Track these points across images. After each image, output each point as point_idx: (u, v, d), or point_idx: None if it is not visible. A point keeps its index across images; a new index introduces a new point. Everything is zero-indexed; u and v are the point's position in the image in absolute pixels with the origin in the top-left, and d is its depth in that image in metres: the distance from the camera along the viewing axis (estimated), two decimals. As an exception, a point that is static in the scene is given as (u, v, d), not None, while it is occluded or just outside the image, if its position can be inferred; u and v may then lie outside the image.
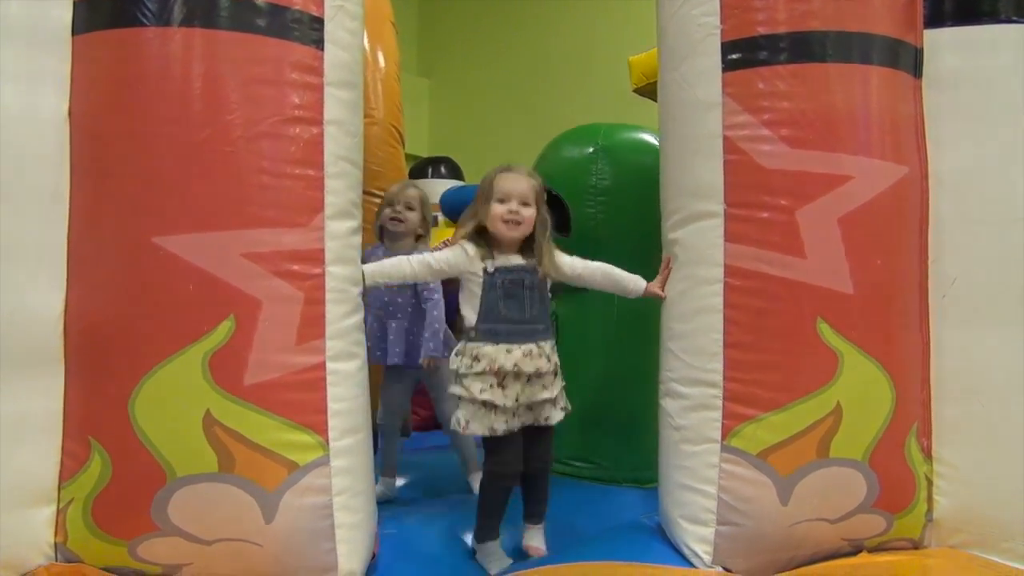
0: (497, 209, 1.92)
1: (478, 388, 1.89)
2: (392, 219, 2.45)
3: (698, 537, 1.80)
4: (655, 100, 2.30)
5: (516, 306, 1.92)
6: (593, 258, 2.07)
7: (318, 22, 1.66)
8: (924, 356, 1.86)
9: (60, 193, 1.59)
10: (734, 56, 1.78)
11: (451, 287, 2.17)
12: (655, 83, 2.30)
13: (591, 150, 2.59)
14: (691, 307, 1.85)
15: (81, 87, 1.60)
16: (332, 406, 1.64)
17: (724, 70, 1.79)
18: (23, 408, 1.55)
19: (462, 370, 1.93)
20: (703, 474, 1.79)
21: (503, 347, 1.89)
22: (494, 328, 1.91)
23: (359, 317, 1.77)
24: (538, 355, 1.92)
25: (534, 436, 2.00)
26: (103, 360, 1.57)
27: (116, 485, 1.56)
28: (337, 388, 1.65)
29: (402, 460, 2.65)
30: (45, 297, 1.57)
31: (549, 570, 1.80)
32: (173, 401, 1.54)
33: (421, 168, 6.12)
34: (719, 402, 1.77)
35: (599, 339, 2.61)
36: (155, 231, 1.54)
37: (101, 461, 1.56)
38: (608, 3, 6.66)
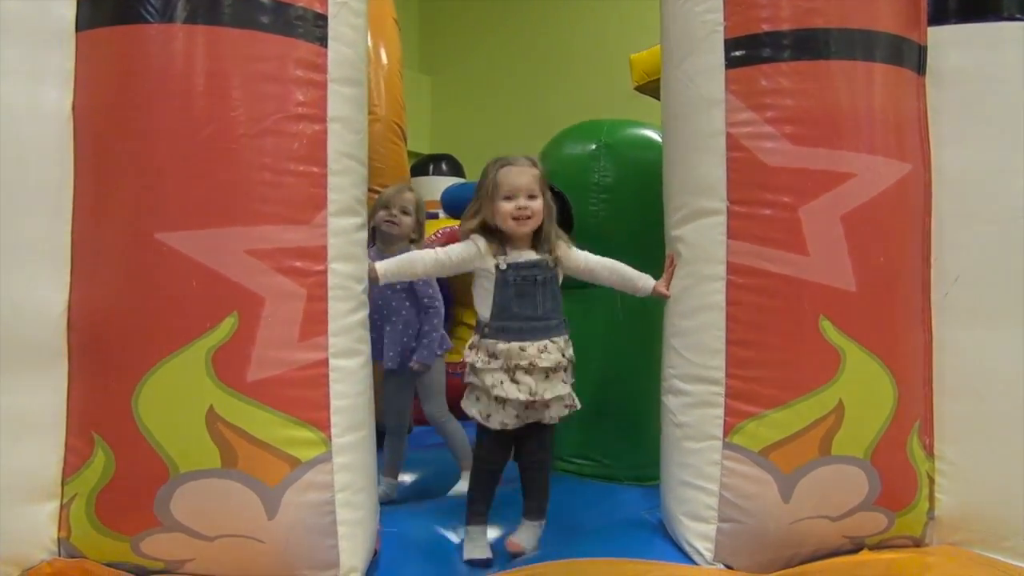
0: (505, 207, 1.91)
1: (491, 383, 1.89)
2: (387, 222, 2.44)
3: (700, 534, 1.80)
4: (656, 98, 2.30)
5: (529, 303, 1.92)
6: (601, 255, 2.07)
7: (322, 19, 1.66)
8: (926, 354, 1.86)
9: (64, 189, 1.59)
10: (737, 53, 1.78)
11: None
12: (656, 81, 2.30)
13: (594, 147, 2.58)
14: (693, 304, 1.85)
15: (84, 84, 1.60)
16: (335, 403, 1.64)
17: (727, 67, 1.79)
18: (27, 404, 1.55)
19: (478, 364, 1.93)
20: (705, 471, 1.79)
21: (516, 344, 1.89)
22: (507, 326, 1.91)
23: (363, 314, 1.77)
24: (554, 350, 1.92)
25: (530, 432, 1.98)
26: (107, 356, 1.57)
27: (119, 481, 1.56)
28: (340, 385, 1.65)
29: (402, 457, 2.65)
30: (49, 293, 1.58)
31: (550, 565, 1.80)
32: (176, 397, 1.55)
33: (423, 165, 6.12)
34: (721, 399, 1.78)
35: (601, 336, 2.61)
36: (158, 227, 1.54)
37: (104, 457, 1.56)
38: (611, 1, 6.65)
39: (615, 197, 2.52)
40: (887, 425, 1.76)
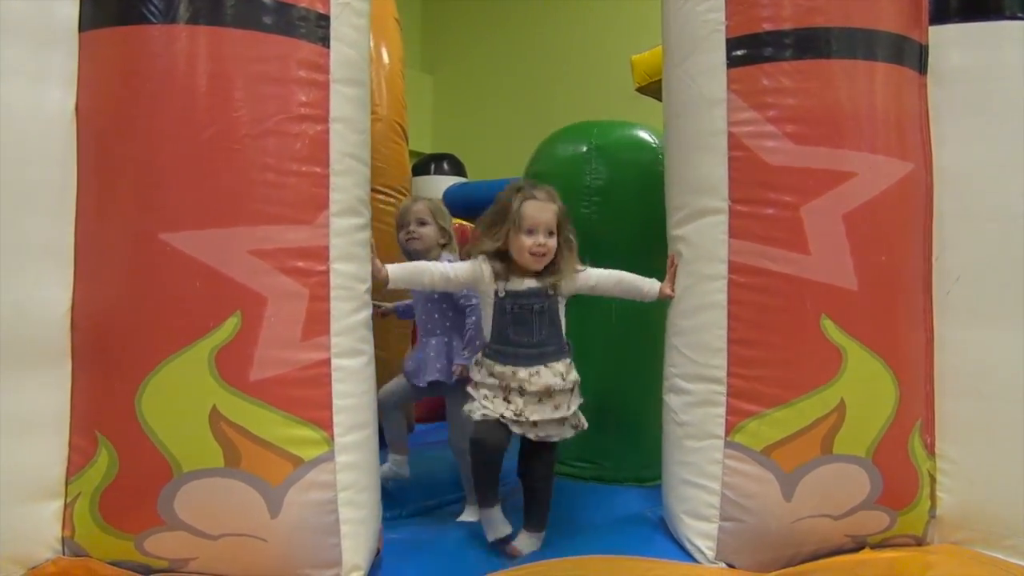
0: (525, 242, 1.93)
1: (483, 395, 1.95)
2: (408, 240, 2.39)
3: (701, 533, 1.81)
4: (658, 99, 2.30)
5: (525, 331, 1.96)
6: (593, 259, 2.07)
7: (324, 19, 1.66)
8: (928, 353, 1.86)
9: (67, 190, 1.60)
10: (739, 52, 1.78)
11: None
12: (658, 82, 2.31)
13: (585, 149, 2.56)
14: (695, 303, 1.86)
15: (87, 84, 1.60)
16: (337, 402, 1.65)
17: (729, 66, 1.79)
18: (31, 403, 1.56)
19: (477, 379, 2.00)
20: (706, 470, 1.80)
21: (509, 368, 1.94)
22: (503, 350, 1.96)
23: (366, 314, 1.77)
24: (547, 375, 1.94)
25: (535, 450, 2.01)
26: (110, 356, 1.58)
27: (123, 480, 1.57)
28: (343, 384, 1.66)
29: (408, 429, 2.64)
30: (52, 293, 1.58)
31: (552, 563, 1.80)
32: (179, 396, 1.55)
33: (424, 165, 6.12)
34: (723, 398, 1.78)
35: (600, 338, 2.60)
36: (161, 228, 1.55)
37: (108, 456, 1.57)
38: (613, 1, 6.65)
39: (607, 199, 2.51)
40: (889, 424, 1.76)
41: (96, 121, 1.60)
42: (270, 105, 1.60)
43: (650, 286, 2.02)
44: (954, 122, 1.86)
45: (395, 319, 2.71)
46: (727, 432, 1.77)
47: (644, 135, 2.60)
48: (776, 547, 1.78)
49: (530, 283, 1.97)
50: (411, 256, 2.40)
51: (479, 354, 2.02)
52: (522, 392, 1.92)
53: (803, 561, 1.79)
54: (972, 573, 1.69)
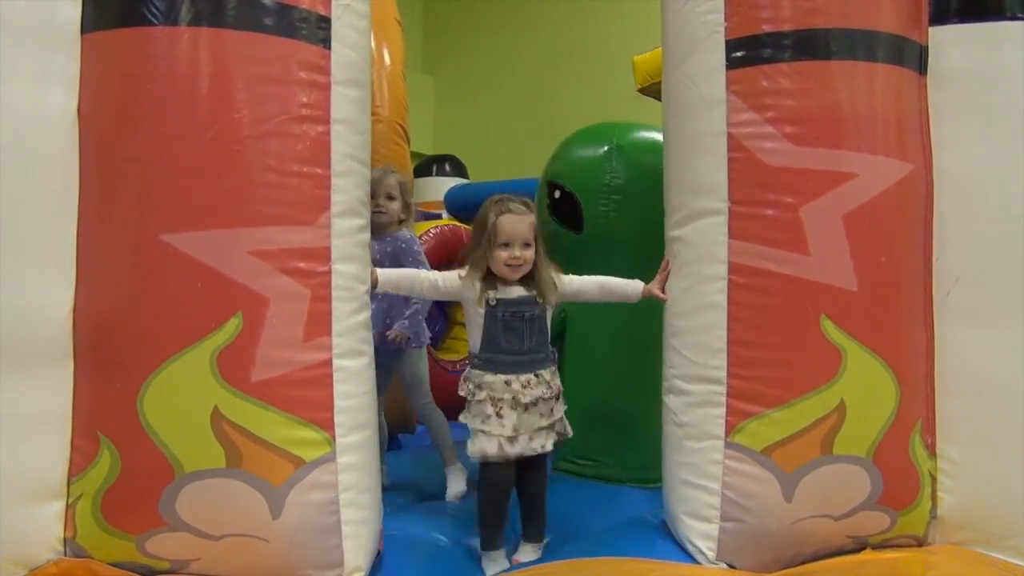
0: (501, 254, 1.96)
1: (479, 419, 1.96)
2: (375, 212, 2.37)
3: (702, 533, 1.81)
4: (660, 100, 2.30)
5: (516, 338, 1.98)
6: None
7: (325, 21, 1.67)
8: (928, 353, 1.86)
9: (69, 191, 1.60)
10: (738, 53, 1.78)
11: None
12: (659, 83, 2.30)
13: (605, 149, 2.59)
14: (695, 304, 1.86)
15: (90, 86, 1.61)
16: (339, 403, 1.65)
17: (728, 67, 1.79)
18: (33, 404, 1.56)
19: (469, 397, 2.00)
20: (707, 470, 1.80)
21: (502, 377, 1.96)
22: (495, 358, 1.98)
23: (366, 315, 1.78)
24: (536, 384, 1.97)
25: (529, 463, 2.03)
26: (112, 357, 1.58)
27: (125, 481, 1.57)
28: (344, 385, 1.66)
29: (406, 457, 2.65)
30: (55, 294, 1.59)
31: (554, 566, 1.81)
32: (181, 397, 1.55)
33: (426, 166, 6.14)
34: (723, 399, 1.78)
35: (603, 338, 2.61)
36: (163, 229, 1.55)
37: (110, 457, 1.57)
38: (615, 1, 6.65)
39: (626, 199, 2.53)
40: (889, 424, 1.76)
41: (98, 122, 1.61)
42: (271, 106, 1.61)
43: (633, 288, 2.05)
44: (954, 123, 1.86)
45: None
46: (727, 433, 1.77)
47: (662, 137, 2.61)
48: (777, 548, 1.78)
49: (519, 291, 2.00)
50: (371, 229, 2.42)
51: (467, 369, 2.04)
52: (515, 404, 1.94)
53: (804, 562, 1.79)
54: (973, 574, 1.69)
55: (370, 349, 1.79)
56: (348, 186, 1.70)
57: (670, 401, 1.92)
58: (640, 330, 2.49)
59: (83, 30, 1.62)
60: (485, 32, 7.83)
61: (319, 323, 1.63)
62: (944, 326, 1.85)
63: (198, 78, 1.57)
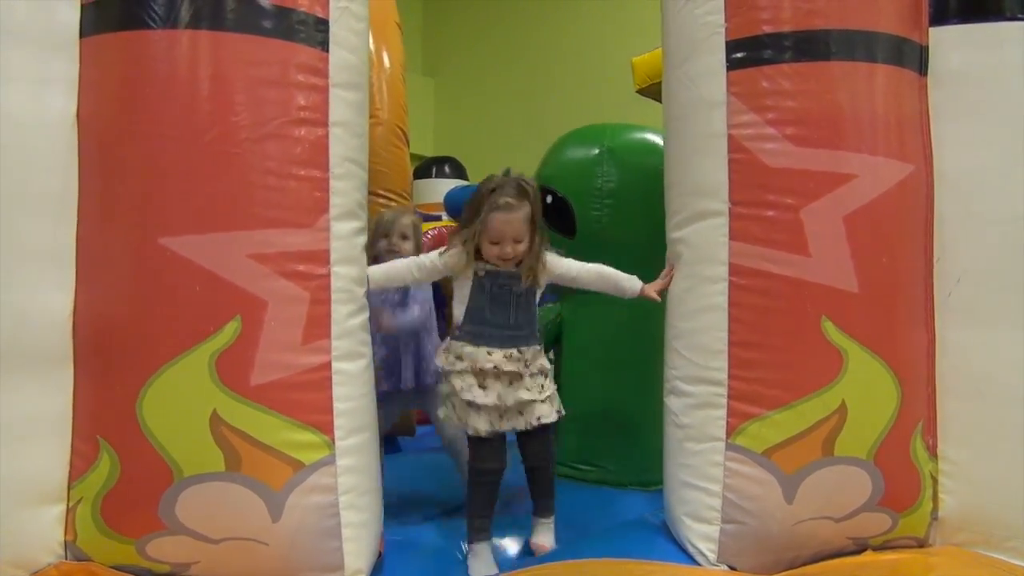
0: (491, 250, 1.94)
1: (459, 386, 1.95)
2: (389, 252, 2.35)
3: (703, 535, 1.80)
4: (659, 101, 2.30)
5: (501, 311, 1.96)
6: (599, 262, 2.07)
7: (323, 24, 1.67)
8: (929, 354, 1.86)
9: (68, 195, 1.60)
10: (739, 55, 1.78)
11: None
12: (658, 84, 2.31)
13: (597, 151, 2.57)
14: (696, 305, 1.85)
15: (89, 89, 1.61)
16: (338, 406, 1.65)
17: (729, 69, 1.79)
18: (33, 408, 1.56)
19: (446, 367, 1.99)
20: (707, 472, 1.79)
21: (484, 349, 1.94)
22: (478, 330, 1.96)
23: (365, 317, 1.78)
24: (518, 359, 1.95)
25: (529, 436, 2.01)
26: (111, 360, 1.58)
27: (124, 484, 1.57)
28: (343, 388, 1.66)
29: (407, 459, 2.65)
30: (54, 298, 1.59)
31: (554, 566, 1.80)
32: (180, 401, 1.55)
33: (426, 168, 6.13)
34: (723, 400, 1.78)
35: (602, 341, 2.60)
36: (162, 232, 1.55)
37: (110, 460, 1.57)
38: (614, 3, 6.65)
39: (618, 202, 2.52)
40: (890, 426, 1.76)
41: (97, 126, 1.61)
42: (270, 109, 1.60)
43: (631, 284, 2.03)
44: (955, 123, 1.86)
45: None
46: (728, 434, 1.77)
47: (655, 138, 2.60)
48: (777, 549, 1.78)
49: (508, 266, 1.97)
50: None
51: (446, 340, 2.02)
52: (498, 375, 1.93)
53: (804, 563, 1.79)
54: (974, 575, 1.68)
55: (369, 351, 1.79)
56: (347, 189, 1.70)
57: (671, 403, 1.92)
58: (637, 334, 2.49)
59: (82, 34, 1.62)
60: (484, 34, 7.84)
61: (318, 326, 1.63)
62: (945, 327, 1.85)
63: (197, 81, 1.58)
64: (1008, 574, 1.69)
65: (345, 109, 1.70)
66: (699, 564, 1.80)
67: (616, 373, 2.57)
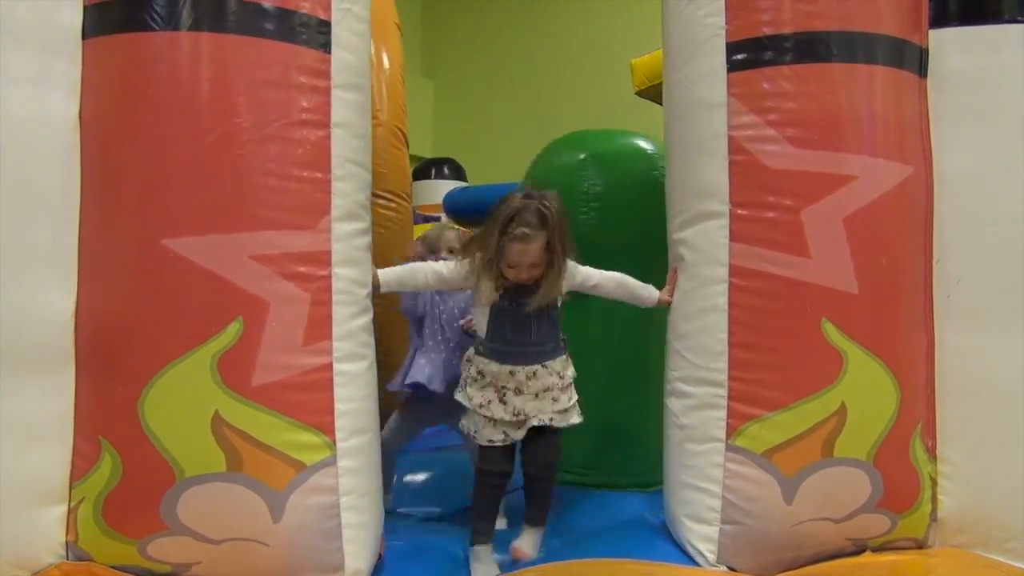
0: (507, 272, 1.90)
1: (478, 402, 1.94)
2: None
3: (702, 536, 1.81)
4: (658, 103, 2.31)
5: (524, 329, 1.94)
6: (591, 265, 2.06)
7: (325, 25, 1.67)
8: (929, 356, 1.86)
9: (70, 196, 1.61)
10: (739, 56, 1.79)
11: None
12: (658, 86, 2.31)
13: (582, 157, 2.60)
14: (696, 306, 1.86)
15: (91, 91, 1.61)
16: (339, 407, 1.65)
17: (729, 70, 1.80)
18: (35, 408, 1.57)
19: (469, 379, 1.97)
20: (707, 473, 1.80)
21: (507, 368, 1.92)
22: (500, 349, 1.94)
23: (367, 318, 1.78)
24: (545, 374, 1.94)
25: (539, 434, 1.97)
26: (113, 361, 1.59)
27: (126, 485, 1.57)
28: (344, 389, 1.66)
29: (412, 459, 2.64)
30: (56, 298, 1.59)
31: (554, 566, 1.81)
32: (182, 402, 1.56)
33: (425, 169, 6.15)
34: (724, 401, 1.78)
35: (601, 344, 2.61)
36: (164, 233, 1.55)
37: (111, 461, 1.57)
38: (613, 5, 6.67)
39: (604, 206, 2.53)
40: (889, 427, 1.77)
41: (99, 127, 1.61)
42: (272, 110, 1.61)
43: (649, 293, 2.03)
44: (954, 125, 1.86)
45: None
46: (728, 435, 1.77)
47: (640, 143, 2.63)
48: (777, 550, 1.78)
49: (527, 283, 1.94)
50: None
51: (470, 351, 2.00)
52: (519, 392, 1.92)
53: (804, 564, 1.79)
54: (973, 576, 1.69)
55: (371, 353, 1.79)
56: (348, 190, 1.71)
57: (672, 403, 1.93)
58: (637, 336, 2.49)
59: (84, 35, 1.62)
60: (483, 36, 7.85)
61: (319, 327, 1.63)
62: (945, 329, 1.85)
63: (199, 83, 1.58)
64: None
65: (346, 110, 1.70)
66: (699, 565, 1.80)
67: (614, 375, 2.57)
